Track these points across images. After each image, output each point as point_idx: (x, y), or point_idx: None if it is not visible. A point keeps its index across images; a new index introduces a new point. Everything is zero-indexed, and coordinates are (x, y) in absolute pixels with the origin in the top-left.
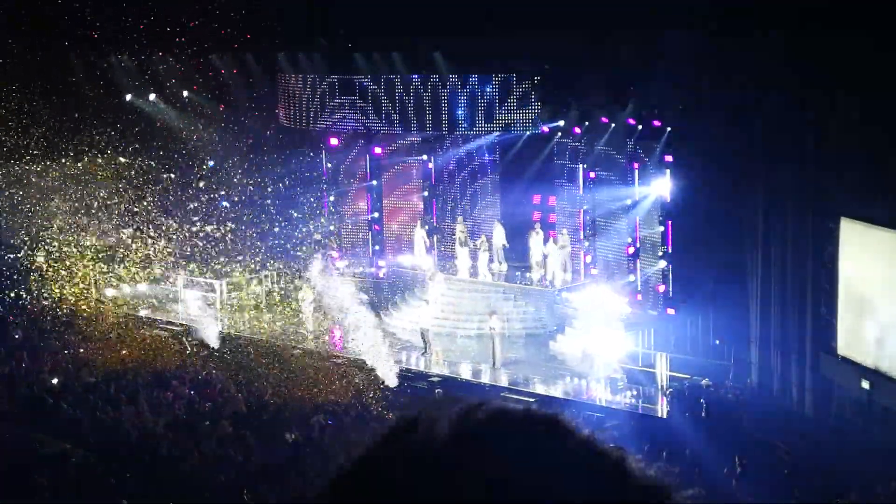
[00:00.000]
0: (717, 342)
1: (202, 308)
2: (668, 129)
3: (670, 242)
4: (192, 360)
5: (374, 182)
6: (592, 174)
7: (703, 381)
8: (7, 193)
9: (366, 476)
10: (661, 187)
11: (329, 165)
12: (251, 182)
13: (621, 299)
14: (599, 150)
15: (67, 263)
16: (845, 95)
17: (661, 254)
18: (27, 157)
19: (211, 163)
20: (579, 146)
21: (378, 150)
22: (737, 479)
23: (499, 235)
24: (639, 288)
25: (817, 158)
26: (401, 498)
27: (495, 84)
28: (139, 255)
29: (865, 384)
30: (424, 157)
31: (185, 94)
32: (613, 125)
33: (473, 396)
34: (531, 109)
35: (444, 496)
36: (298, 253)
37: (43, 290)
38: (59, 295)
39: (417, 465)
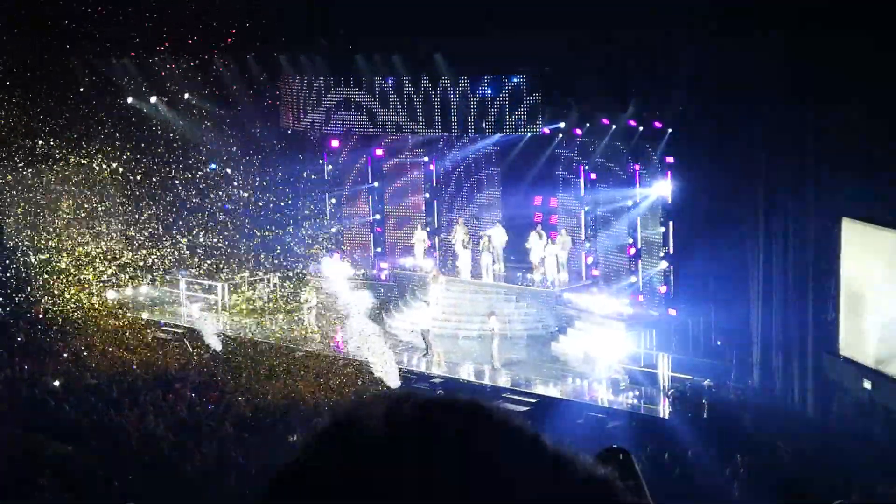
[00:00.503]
0: (719, 343)
1: (204, 310)
2: (669, 130)
3: (671, 243)
4: (195, 362)
5: (376, 184)
6: (593, 175)
7: (705, 382)
8: (9, 196)
9: (302, 477)
10: (662, 188)
11: (330, 167)
12: (252, 184)
13: (623, 300)
14: (600, 151)
15: (69, 266)
16: (846, 95)
17: (662, 254)
18: (29, 161)
19: (212, 165)
20: (580, 147)
21: (379, 151)
22: (739, 480)
23: (500, 237)
24: (640, 289)
25: (818, 159)
26: (338, 498)
27: (496, 85)
28: (141, 257)
29: (867, 384)
30: (426, 158)
31: (187, 96)
32: (614, 126)
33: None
34: (532, 111)
35: (380, 492)
36: (300, 255)
37: (45, 293)
38: (61, 298)
39: (352, 463)
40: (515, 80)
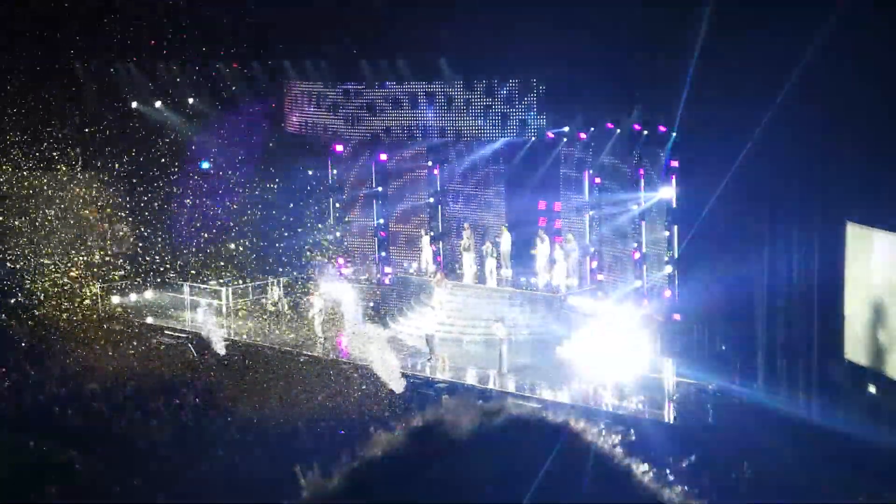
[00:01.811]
0: (724, 347)
1: (209, 315)
2: (674, 133)
3: (676, 247)
4: (199, 367)
5: (380, 189)
6: (598, 180)
7: (710, 386)
8: (12, 200)
9: (402, 470)
10: (666, 192)
11: (335, 172)
12: (257, 189)
13: (628, 304)
14: (605, 155)
15: (73, 271)
16: (851, 100)
17: (667, 259)
18: (32, 164)
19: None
20: (585, 152)
21: (384, 156)
22: (743, 485)
23: (505, 241)
24: (645, 293)
25: (823, 163)
26: (421, 496)
27: (501, 90)
28: (146, 262)
29: (872, 389)
30: (430, 163)
31: (191, 101)
32: (619, 130)
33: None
34: (537, 115)
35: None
36: (305, 260)
37: (49, 298)
38: (65, 303)
39: (437, 466)
40: (520, 84)
